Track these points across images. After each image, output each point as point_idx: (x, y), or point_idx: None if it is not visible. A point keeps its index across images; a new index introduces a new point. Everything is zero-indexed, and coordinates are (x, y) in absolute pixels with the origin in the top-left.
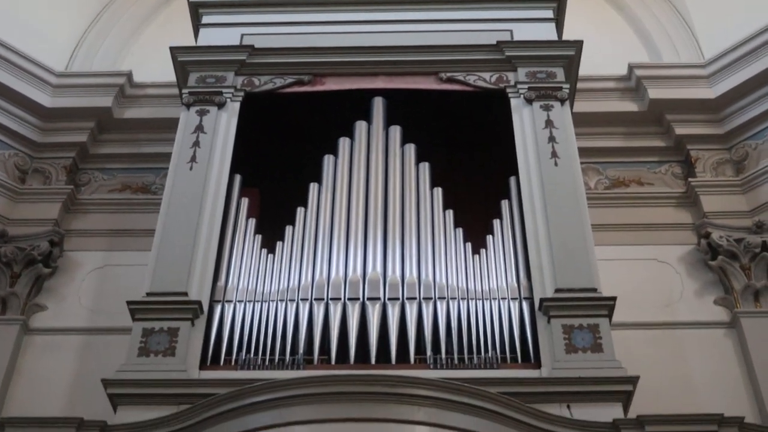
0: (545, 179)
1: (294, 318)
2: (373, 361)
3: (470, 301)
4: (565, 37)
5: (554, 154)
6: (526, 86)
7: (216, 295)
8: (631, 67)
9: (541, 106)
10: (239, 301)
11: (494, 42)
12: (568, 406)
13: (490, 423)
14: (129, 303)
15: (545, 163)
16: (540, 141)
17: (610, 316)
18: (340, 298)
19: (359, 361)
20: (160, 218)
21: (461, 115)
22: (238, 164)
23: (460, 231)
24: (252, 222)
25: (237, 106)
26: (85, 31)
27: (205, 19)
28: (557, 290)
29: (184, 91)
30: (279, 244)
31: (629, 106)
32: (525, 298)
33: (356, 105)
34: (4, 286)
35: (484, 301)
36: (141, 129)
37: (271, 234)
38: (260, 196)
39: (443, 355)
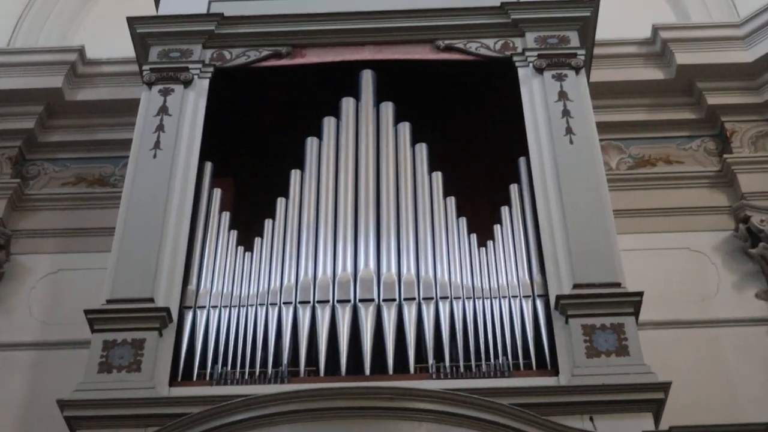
0: (559, 159)
1: (276, 325)
2: (367, 371)
3: (476, 300)
4: None
5: (569, 131)
6: (535, 53)
7: (186, 301)
8: (655, 29)
9: (553, 76)
10: (213, 307)
11: (498, 3)
12: (591, 419)
13: None
14: (87, 312)
15: (559, 141)
16: (553, 116)
17: (636, 314)
18: (328, 301)
19: (352, 372)
20: (121, 214)
21: (462, 89)
22: (208, 150)
23: (463, 221)
24: (226, 216)
25: (206, 83)
26: (29, 2)
27: None
28: (575, 286)
29: (145, 67)
30: (257, 240)
31: (654, 73)
32: (539, 296)
33: (342, 79)
34: None
35: (492, 300)
36: (96, 112)
37: (248, 229)
38: (235, 186)
39: (447, 363)
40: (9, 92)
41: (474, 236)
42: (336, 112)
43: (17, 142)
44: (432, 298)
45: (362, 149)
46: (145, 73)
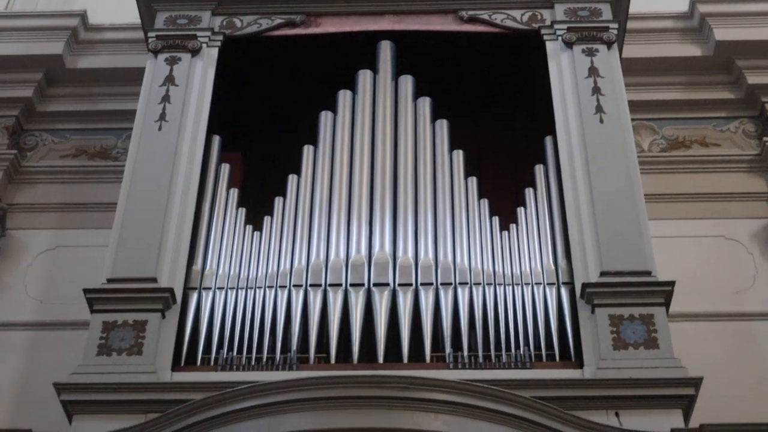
0: (588, 139)
1: (285, 308)
2: (380, 360)
3: (497, 287)
4: None
5: (599, 109)
6: (564, 26)
7: (191, 282)
8: (693, 2)
9: (583, 51)
10: (219, 289)
11: None
12: (617, 414)
13: None
14: (86, 291)
15: (588, 119)
16: (582, 93)
17: (667, 305)
18: (341, 284)
19: (364, 360)
20: (123, 189)
21: (486, 63)
22: (216, 123)
23: (485, 202)
24: (234, 193)
25: (215, 52)
26: None
27: None
28: (603, 273)
29: (151, 34)
30: (267, 219)
31: (691, 50)
32: (564, 284)
33: (359, 51)
34: None
35: (515, 287)
36: (98, 81)
37: (257, 207)
38: (244, 161)
39: (465, 353)
40: (6, 58)
41: (496, 219)
42: (352, 86)
43: (14, 111)
44: (450, 284)
45: (379, 125)
46: (150, 40)
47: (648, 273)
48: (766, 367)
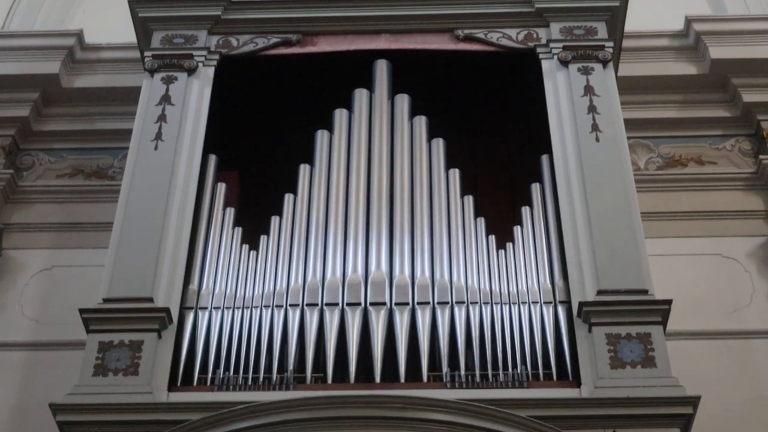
0: (584, 158)
1: (282, 328)
2: (377, 379)
3: (494, 306)
4: None
5: (595, 127)
6: (560, 45)
7: (187, 302)
8: (689, 21)
9: (579, 69)
10: (216, 308)
11: None
12: None
13: None
14: (82, 311)
15: (584, 138)
16: (578, 112)
17: (664, 323)
18: (337, 304)
19: (361, 379)
20: (120, 209)
21: (482, 81)
22: (213, 143)
23: (481, 221)
24: (230, 212)
25: (211, 71)
26: None
27: None
28: (600, 292)
29: (147, 54)
30: (263, 238)
31: (686, 68)
32: (561, 303)
33: (355, 70)
34: None
35: (511, 306)
36: (95, 100)
37: (253, 226)
38: (240, 180)
39: (462, 372)
40: (3, 78)
41: (493, 238)
42: (348, 104)
43: (11, 130)
44: (447, 303)
45: (375, 143)
46: (146, 59)
47: (645, 291)
48: (764, 385)
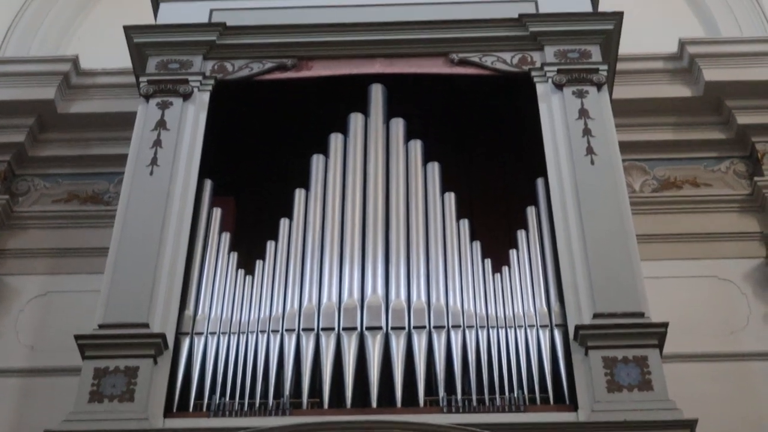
0: (580, 181)
1: (278, 353)
2: (374, 404)
3: (490, 330)
4: (601, 7)
5: (590, 150)
6: (554, 68)
7: (183, 327)
8: (682, 44)
9: (573, 93)
10: (211, 334)
11: (515, 15)
12: None
13: None
14: (77, 337)
15: (579, 161)
16: (573, 135)
17: (661, 346)
18: (333, 328)
19: (358, 404)
20: (115, 234)
21: (477, 105)
22: (208, 167)
23: (477, 245)
24: (226, 237)
25: (206, 96)
26: (21, 8)
27: None
28: (596, 315)
29: (142, 79)
30: (259, 263)
31: (681, 90)
32: (557, 326)
33: (350, 94)
34: None
35: (508, 329)
36: (91, 126)
37: (249, 251)
38: (236, 205)
39: (459, 397)
40: None
41: (488, 261)
42: (343, 129)
43: (6, 156)
44: (443, 327)
45: (371, 168)
46: (142, 85)
47: (641, 314)
48: (761, 408)
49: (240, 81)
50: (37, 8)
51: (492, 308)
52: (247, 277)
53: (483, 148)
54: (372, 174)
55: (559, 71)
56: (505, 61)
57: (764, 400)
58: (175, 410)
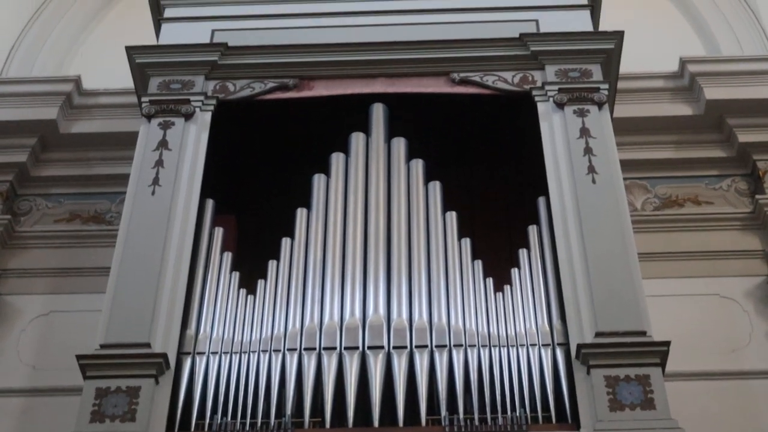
0: (581, 199)
1: (280, 372)
2: (376, 423)
3: (492, 348)
4: (602, 27)
5: (591, 169)
6: (555, 87)
7: (185, 347)
8: (683, 62)
9: (574, 111)
10: (213, 353)
11: (516, 35)
12: None
13: None
14: (79, 357)
15: (581, 180)
16: (574, 153)
17: (663, 364)
18: (335, 348)
19: (360, 423)
20: (117, 254)
21: (478, 124)
22: (210, 187)
23: (478, 264)
24: (228, 256)
25: (208, 116)
26: (23, 30)
27: (168, 13)
28: (598, 334)
29: (144, 99)
30: (260, 282)
31: (682, 109)
32: (559, 345)
33: (352, 113)
34: None
35: (510, 348)
36: (93, 145)
37: (250, 271)
38: (237, 225)
39: (461, 416)
40: (0, 124)
41: (490, 280)
42: (345, 148)
43: (8, 176)
44: (445, 346)
45: (372, 187)
46: (144, 105)
47: (643, 333)
48: (763, 426)
49: (242, 101)
50: (40, 28)
51: (494, 327)
52: (249, 296)
53: (484, 167)
54: (373, 193)
55: (560, 90)
56: (506, 80)
57: (766, 418)
58: (176, 430)
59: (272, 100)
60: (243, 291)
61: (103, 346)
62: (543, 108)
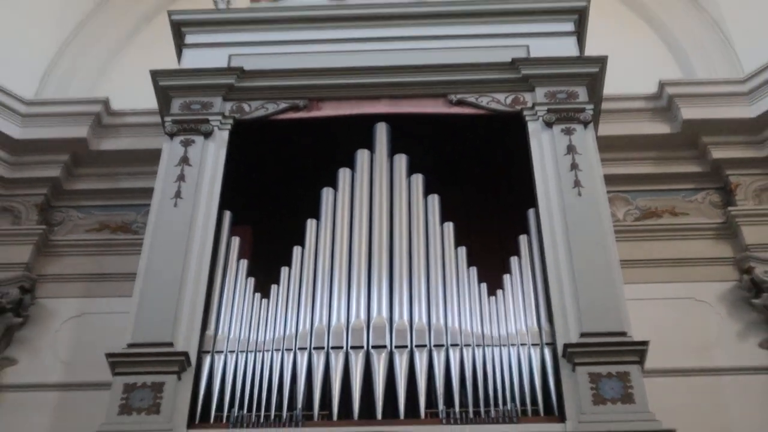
0: (568, 211)
1: (291, 369)
2: (379, 416)
3: (486, 348)
4: (587, 52)
5: (577, 183)
6: (544, 108)
7: (205, 346)
8: (662, 85)
9: (562, 130)
10: (230, 352)
11: (509, 59)
12: None
13: None
14: (108, 355)
15: (567, 193)
16: (561, 169)
17: (641, 362)
18: (342, 347)
19: (364, 416)
20: (142, 260)
21: (473, 142)
22: (227, 199)
23: (473, 270)
24: (244, 263)
25: (225, 135)
26: (57, 55)
27: (189, 39)
28: (582, 335)
29: (167, 119)
30: (274, 287)
31: (660, 127)
32: (547, 344)
33: (357, 132)
34: None
35: (502, 347)
36: (120, 161)
37: (264, 276)
38: (252, 234)
39: (457, 409)
40: (37, 141)
41: (484, 285)
42: (351, 164)
43: (44, 189)
44: (443, 346)
45: (376, 200)
46: (167, 124)
47: (624, 333)
48: (734, 418)
49: (256, 120)
50: (73, 53)
51: (487, 328)
52: (263, 300)
53: (479, 181)
54: (377, 205)
55: (548, 110)
56: (499, 101)
57: (735, 411)
58: (197, 422)
59: (284, 119)
60: (258, 295)
61: (130, 345)
62: (533, 127)
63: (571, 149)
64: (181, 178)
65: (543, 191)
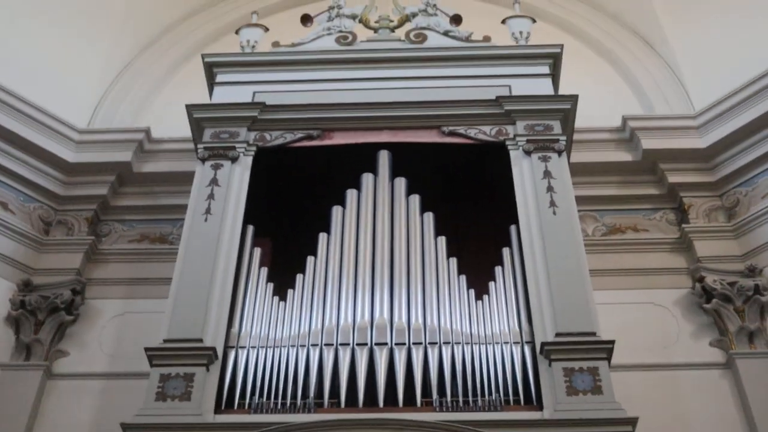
0: (544, 227)
1: (305, 363)
2: (381, 404)
3: (474, 345)
4: (561, 91)
5: (553, 204)
6: (524, 138)
7: (230, 342)
8: (625, 119)
9: (539, 158)
10: (252, 347)
11: (494, 97)
12: None
13: None
14: (147, 349)
15: (544, 212)
16: (539, 191)
17: (609, 358)
18: (348, 344)
19: (368, 404)
20: (177, 267)
21: (463, 167)
22: (250, 215)
23: (463, 278)
24: (264, 271)
25: (249, 160)
26: (107, 90)
27: (219, 78)
28: (558, 334)
29: (200, 146)
30: (290, 291)
31: (624, 156)
32: (527, 342)
33: (363, 158)
34: (29, 333)
35: (487, 345)
36: (159, 182)
37: (282, 282)
38: (272, 245)
39: (449, 398)
40: (88, 164)
41: (472, 291)
42: (357, 185)
43: (93, 205)
44: (436, 343)
45: (379, 217)
46: (199, 150)
47: (593, 333)
48: (689, 408)
49: (276, 148)
50: (120, 89)
51: (475, 328)
52: (281, 302)
53: (468, 201)
54: (380, 222)
55: (528, 141)
56: (485, 132)
57: (691, 402)
58: (223, 408)
59: (300, 147)
60: (276, 298)
61: (165, 341)
62: (514, 155)
63: (547, 174)
64: (210, 196)
65: (523, 210)
